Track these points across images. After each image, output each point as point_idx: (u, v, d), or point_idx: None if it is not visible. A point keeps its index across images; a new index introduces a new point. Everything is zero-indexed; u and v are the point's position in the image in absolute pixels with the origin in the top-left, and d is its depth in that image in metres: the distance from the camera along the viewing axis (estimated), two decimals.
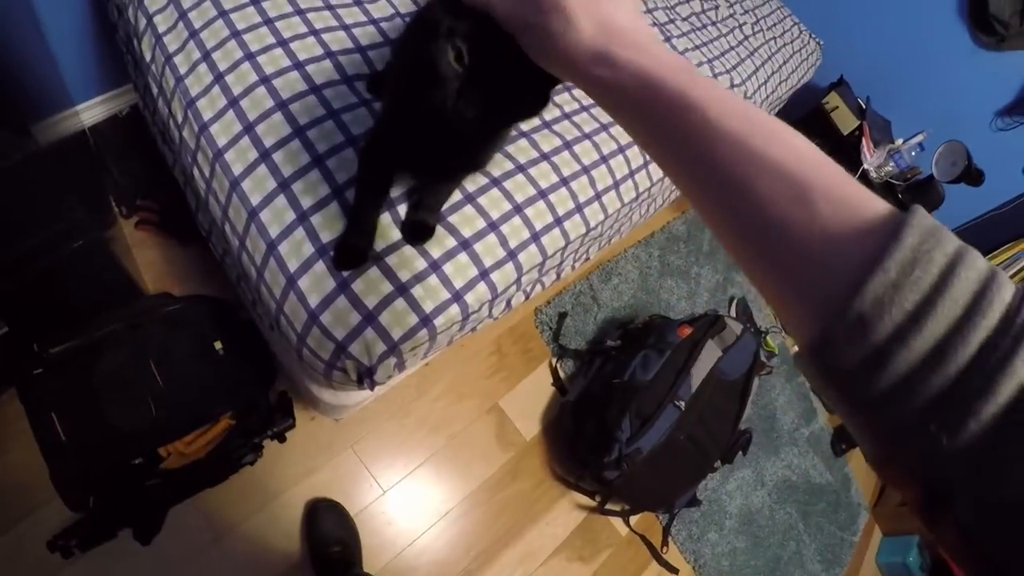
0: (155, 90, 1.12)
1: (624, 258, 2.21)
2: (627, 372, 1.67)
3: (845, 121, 2.22)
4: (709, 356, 1.71)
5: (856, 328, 0.28)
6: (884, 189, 2.22)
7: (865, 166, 2.17)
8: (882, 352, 0.27)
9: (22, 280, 1.16)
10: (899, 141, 2.28)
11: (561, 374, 1.89)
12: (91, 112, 1.72)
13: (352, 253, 0.88)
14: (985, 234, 2.38)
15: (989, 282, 0.27)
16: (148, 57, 1.11)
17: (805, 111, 2.30)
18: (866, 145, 2.20)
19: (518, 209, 1.04)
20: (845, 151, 2.19)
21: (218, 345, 1.36)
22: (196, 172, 1.03)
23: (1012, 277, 2.15)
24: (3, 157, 0.98)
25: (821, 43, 2.34)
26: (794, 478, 2.27)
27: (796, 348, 0.33)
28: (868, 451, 0.31)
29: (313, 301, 0.90)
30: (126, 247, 1.64)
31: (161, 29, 1.09)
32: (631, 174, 1.25)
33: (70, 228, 1.19)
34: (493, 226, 1.01)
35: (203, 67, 1.03)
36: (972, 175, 2.16)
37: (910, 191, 2.26)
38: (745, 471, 2.13)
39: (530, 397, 1.86)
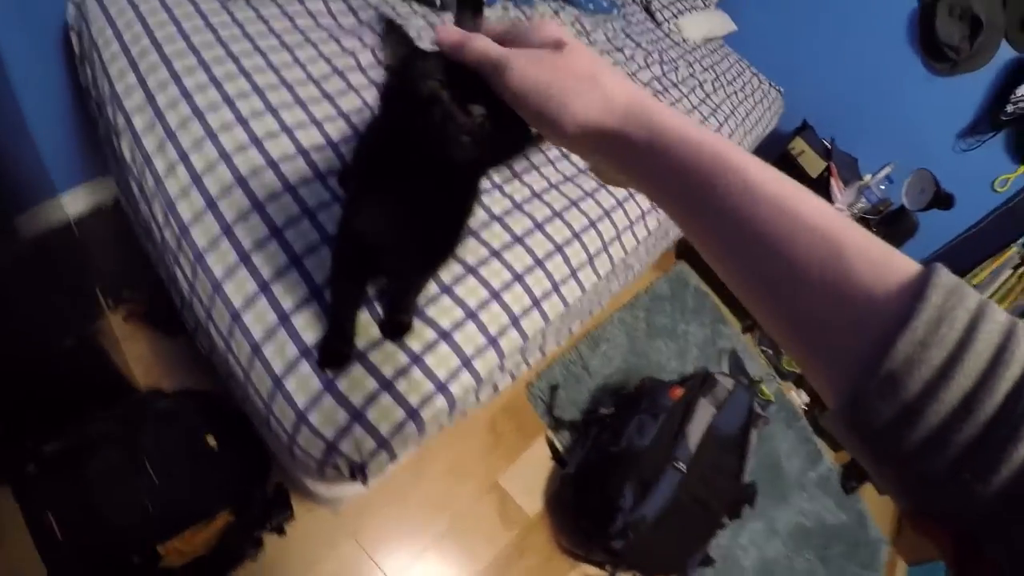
0: (136, 190, 1.14)
1: (610, 324, 2.22)
2: (624, 439, 1.67)
3: (813, 164, 2.27)
4: (704, 415, 1.71)
5: (887, 386, 0.28)
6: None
7: (837, 205, 2.21)
8: (913, 408, 0.28)
9: (10, 380, 1.17)
10: (867, 177, 2.32)
11: (559, 446, 1.88)
12: (76, 203, 1.75)
13: (335, 355, 0.90)
14: (963, 255, 2.39)
15: (1010, 335, 0.28)
16: (128, 157, 1.14)
17: (772, 158, 2.34)
18: (836, 185, 2.25)
19: (495, 295, 1.06)
20: (815, 193, 2.22)
21: (211, 440, 1.35)
22: (179, 273, 1.05)
23: (995, 293, 2.18)
24: None
25: (782, 90, 2.42)
26: (807, 523, 2.23)
27: (805, 401, 0.33)
28: (900, 503, 0.32)
29: (300, 402, 0.90)
30: (114, 340, 1.63)
31: (139, 128, 1.12)
32: (604, 247, 1.28)
33: (59, 326, 1.20)
34: (472, 315, 1.03)
35: (181, 168, 1.05)
36: (942, 200, 2.20)
37: (884, 224, 2.30)
38: (756, 523, 2.09)
39: (530, 472, 1.84)
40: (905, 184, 2.24)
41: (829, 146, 2.35)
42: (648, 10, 2.20)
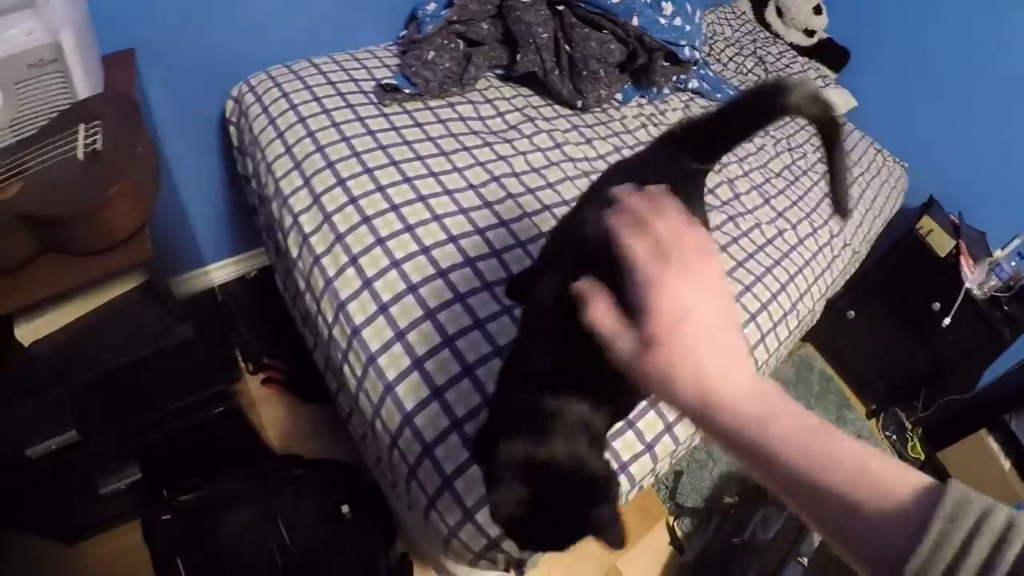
0: (302, 284, 1.21)
1: None
2: (747, 530, 1.63)
3: (941, 243, 2.18)
4: None
5: None
6: (989, 304, 2.15)
7: (967, 285, 2.11)
8: None
9: (160, 436, 1.25)
10: (997, 252, 2.21)
11: (678, 533, 1.86)
12: (221, 272, 1.89)
13: (487, 450, 0.93)
14: None
15: (1001, 543, 0.35)
16: (295, 254, 1.21)
17: (896, 236, 2.28)
18: (965, 264, 2.15)
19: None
20: (945, 273, 2.14)
21: (345, 509, 1.41)
22: (347, 369, 1.10)
23: None
24: (160, 339, 1.08)
25: (906, 166, 2.35)
26: None
27: None
28: None
29: (469, 501, 0.94)
30: (251, 402, 1.74)
31: (308, 229, 1.20)
32: (761, 340, 1.30)
33: (213, 396, 1.29)
34: (630, 423, 1.05)
35: (351, 271, 1.12)
36: None
37: (1015, 300, 2.17)
38: None
39: (648, 558, 1.82)
40: None
41: (957, 222, 2.26)
42: None
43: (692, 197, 0.72)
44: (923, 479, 0.41)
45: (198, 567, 1.26)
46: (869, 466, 0.42)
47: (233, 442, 1.49)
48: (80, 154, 0.86)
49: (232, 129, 1.46)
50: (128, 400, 1.17)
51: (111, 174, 0.84)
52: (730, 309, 0.52)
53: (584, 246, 0.62)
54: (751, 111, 0.66)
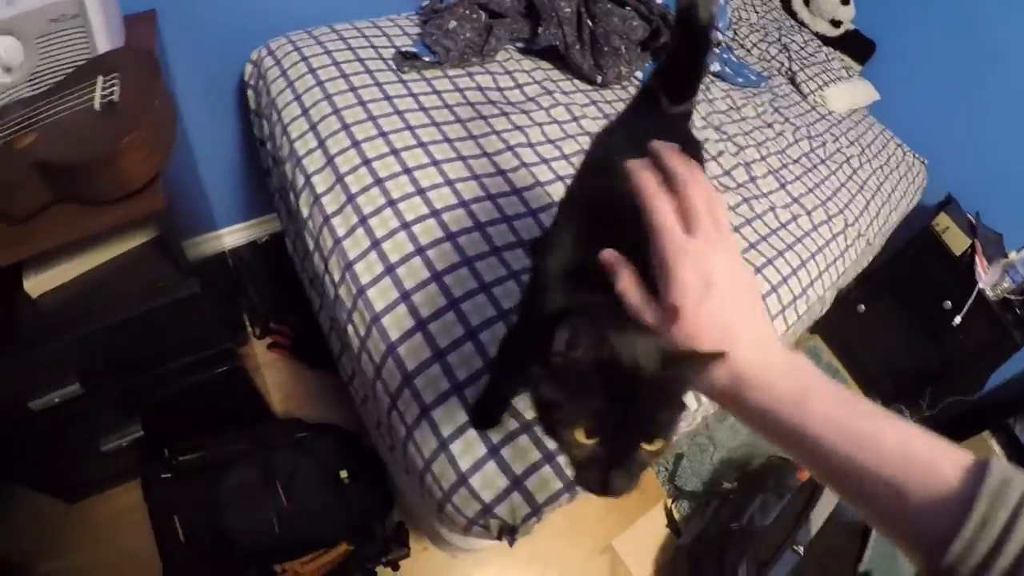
0: (311, 244, 1.21)
1: None
2: (745, 516, 1.63)
3: (956, 241, 2.15)
4: (829, 499, 1.64)
5: (948, 572, 0.37)
6: (1001, 306, 2.13)
7: (981, 285, 2.09)
8: None
9: (163, 393, 1.26)
10: (1012, 254, 2.18)
11: (676, 516, 1.86)
12: (232, 236, 1.90)
13: (487, 418, 0.95)
14: None
15: None
16: (305, 213, 1.22)
17: (913, 232, 2.25)
18: (980, 264, 2.12)
19: None
20: (959, 272, 2.12)
21: (343, 474, 1.42)
22: (351, 329, 1.11)
23: None
24: (166, 292, 1.09)
25: (925, 162, 2.32)
26: None
27: None
28: None
29: (464, 464, 0.94)
30: (256, 366, 1.75)
31: (320, 190, 1.20)
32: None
33: (218, 354, 1.29)
34: None
35: (360, 231, 1.12)
36: None
37: None
38: None
39: (644, 538, 1.82)
40: None
41: (974, 222, 2.23)
42: (793, 82, 2.17)
43: (687, 141, 0.77)
44: (966, 456, 0.40)
45: (195, 527, 1.28)
46: (911, 444, 0.41)
47: (236, 404, 1.50)
48: (97, 104, 0.87)
49: (250, 92, 1.46)
50: (132, 355, 1.18)
51: (127, 124, 0.85)
52: (755, 284, 0.51)
53: (606, 203, 0.61)
54: (684, 36, 0.70)
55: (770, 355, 0.46)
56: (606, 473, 0.47)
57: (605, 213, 0.61)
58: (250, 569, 1.27)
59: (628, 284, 0.49)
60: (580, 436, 0.47)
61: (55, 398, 1.08)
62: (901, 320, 2.34)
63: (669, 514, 1.86)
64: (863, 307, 2.43)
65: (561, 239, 0.63)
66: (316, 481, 1.40)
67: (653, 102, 0.77)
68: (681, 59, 0.73)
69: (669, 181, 0.49)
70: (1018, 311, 2.10)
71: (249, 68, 1.45)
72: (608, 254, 0.52)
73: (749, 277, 0.49)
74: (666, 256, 0.46)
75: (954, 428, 2.34)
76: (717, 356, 0.44)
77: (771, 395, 0.45)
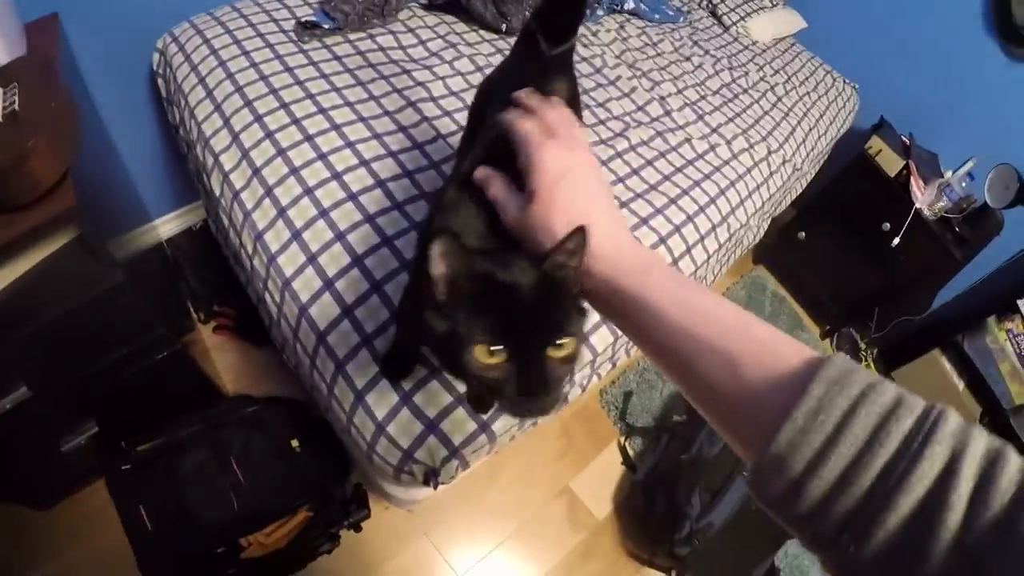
0: (226, 222, 1.23)
1: None
2: (694, 447, 1.67)
3: (890, 163, 2.18)
4: None
5: (775, 466, 0.35)
6: (940, 225, 2.16)
7: (917, 205, 2.12)
8: (798, 483, 0.34)
9: (110, 386, 1.27)
10: (948, 174, 2.19)
11: (630, 452, 1.90)
12: (167, 226, 1.89)
13: (399, 368, 0.97)
14: None
15: (889, 415, 0.33)
16: (217, 192, 1.23)
17: (849, 158, 2.27)
18: (915, 184, 2.15)
19: None
20: (894, 193, 2.15)
21: (295, 443, 1.44)
22: (268, 297, 1.13)
23: None
24: (93, 286, 1.10)
25: (856, 87, 2.34)
26: None
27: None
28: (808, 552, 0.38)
29: (380, 414, 0.97)
30: (205, 350, 1.76)
31: (227, 167, 1.21)
32: (687, 251, 1.30)
33: (154, 341, 1.31)
34: None
35: (267, 202, 1.14)
36: None
37: (967, 223, 2.17)
38: None
39: (600, 477, 1.87)
40: (987, 180, 2.11)
41: (907, 143, 2.25)
42: (715, 15, 2.17)
43: (567, 78, 0.77)
44: (812, 351, 0.39)
45: (161, 513, 1.29)
46: (751, 324, 0.42)
47: (185, 389, 1.51)
48: (0, 116, 0.90)
49: (160, 81, 1.46)
50: (71, 352, 1.19)
51: (29, 130, 0.88)
52: (608, 184, 0.56)
53: (487, 145, 0.64)
54: None
55: (620, 237, 0.50)
56: (524, 389, 0.47)
57: (486, 154, 0.63)
58: (216, 546, 1.30)
59: (498, 189, 0.54)
60: (482, 354, 0.46)
61: (6, 404, 1.09)
62: (842, 245, 2.38)
63: (623, 451, 1.90)
64: (803, 234, 2.46)
65: (446, 185, 0.66)
66: (268, 453, 1.42)
67: (533, 44, 0.76)
68: None
69: (530, 112, 0.56)
70: (957, 230, 2.13)
71: (156, 57, 1.44)
72: (481, 170, 0.56)
73: (603, 176, 0.54)
74: (529, 152, 0.52)
75: (904, 348, 2.40)
76: (575, 233, 0.46)
77: (616, 267, 0.47)
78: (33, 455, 1.30)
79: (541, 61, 0.74)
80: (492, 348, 0.46)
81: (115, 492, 1.32)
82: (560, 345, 0.47)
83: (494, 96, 0.72)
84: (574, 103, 0.71)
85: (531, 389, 0.47)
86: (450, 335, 0.47)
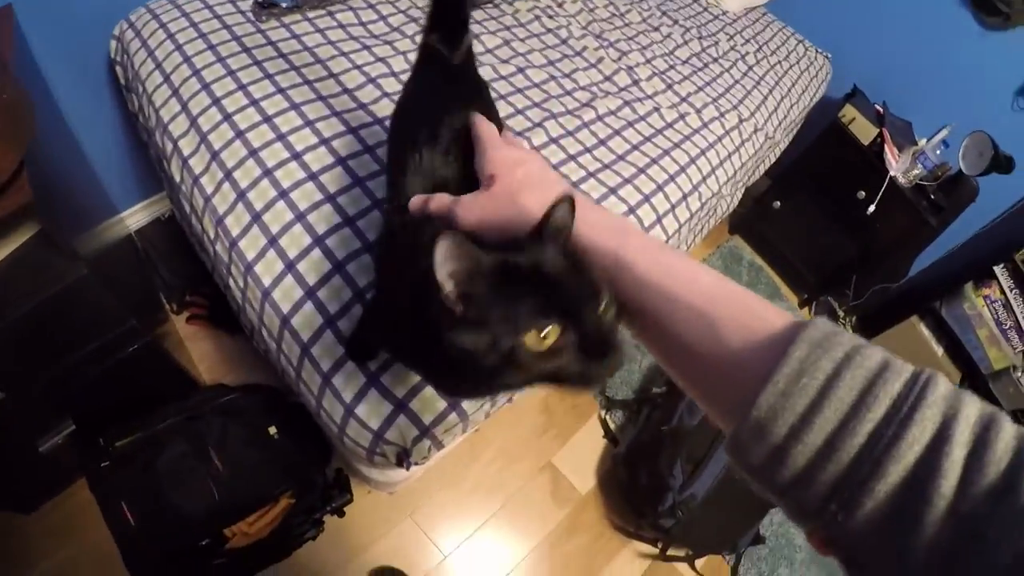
0: (187, 208, 1.20)
1: None
2: (675, 417, 1.68)
3: (864, 131, 2.18)
4: None
5: (756, 432, 0.33)
6: (915, 193, 2.17)
7: (892, 173, 2.12)
8: (781, 449, 0.32)
9: (83, 383, 1.25)
10: (922, 141, 2.20)
11: (611, 425, 1.91)
12: (135, 217, 1.86)
13: (363, 349, 0.95)
14: None
15: (876, 378, 0.31)
16: (177, 178, 1.20)
17: (823, 127, 2.27)
18: (890, 152, 2.16)
19: None
20: (869, 162, 2.15)
21: (272, 430, 1.44)
22: (232, 283, 1.11)
23: None
24: (57, 281, 1.07)
25: (829, 56, 2.33)
26: None
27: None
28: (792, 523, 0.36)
29: (348, 396, 0.95)
30: (179, 341, 1.74)
31: (186, 152, 1.18)
32: (657, 221, 1.29)
33: (124, 334, 1.29)
34: None
35: (227, 186, 1.11)
36: (1001, 163, 2.05)
37: (942, 190, 2.19)
38: None
39: (582, 452, 1.88)
40: (961, 147, 2.12)
41: (881, 111, 2.25)
42: None
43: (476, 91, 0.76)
44: (793, 317, 0.37)
45: (143, 509, 1.28)
46: (729, 286, 0.41)
47: (160, 381, 1.49)
48: None
49: (118, 69, 1.42)
50: (40, 350, 1.16)
51: None
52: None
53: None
54: None
55: (591, 204, 0.50)
56: (594, 353, 0.44)
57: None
58: (200, 537, 1.29)
59: (439, 200, 0.54)
60: (535, 341, 0.43)
61: None
62: (817, 214, 2.39)
63: (604, 425, 1.91)
64: (779, 204, 2.46)
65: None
66: (246, 441, 1.41)
67: (435, 62, 0.74)
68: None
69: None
70: (932, 197, 2.15)
71: (114, 44, 1.40)
72: (415, 200, 0.57)
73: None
74: (486, 147, 0.54)
75: (883, 315, 2.42)
76: (561, 200, 0.45)
77: (593, 226, 0.46)
78: (13, 457, 1.28)
79: (447, 75, 0.73)
80: (544, 332, 0.43)
81: (96, 490, 1.31)
82: (602, 303, 0.45)
83: (411, 126, 0.67)
84: (490, 113, 0.68)
85: (599, 351, 0.44)
86: (490, 344, 0.43)
